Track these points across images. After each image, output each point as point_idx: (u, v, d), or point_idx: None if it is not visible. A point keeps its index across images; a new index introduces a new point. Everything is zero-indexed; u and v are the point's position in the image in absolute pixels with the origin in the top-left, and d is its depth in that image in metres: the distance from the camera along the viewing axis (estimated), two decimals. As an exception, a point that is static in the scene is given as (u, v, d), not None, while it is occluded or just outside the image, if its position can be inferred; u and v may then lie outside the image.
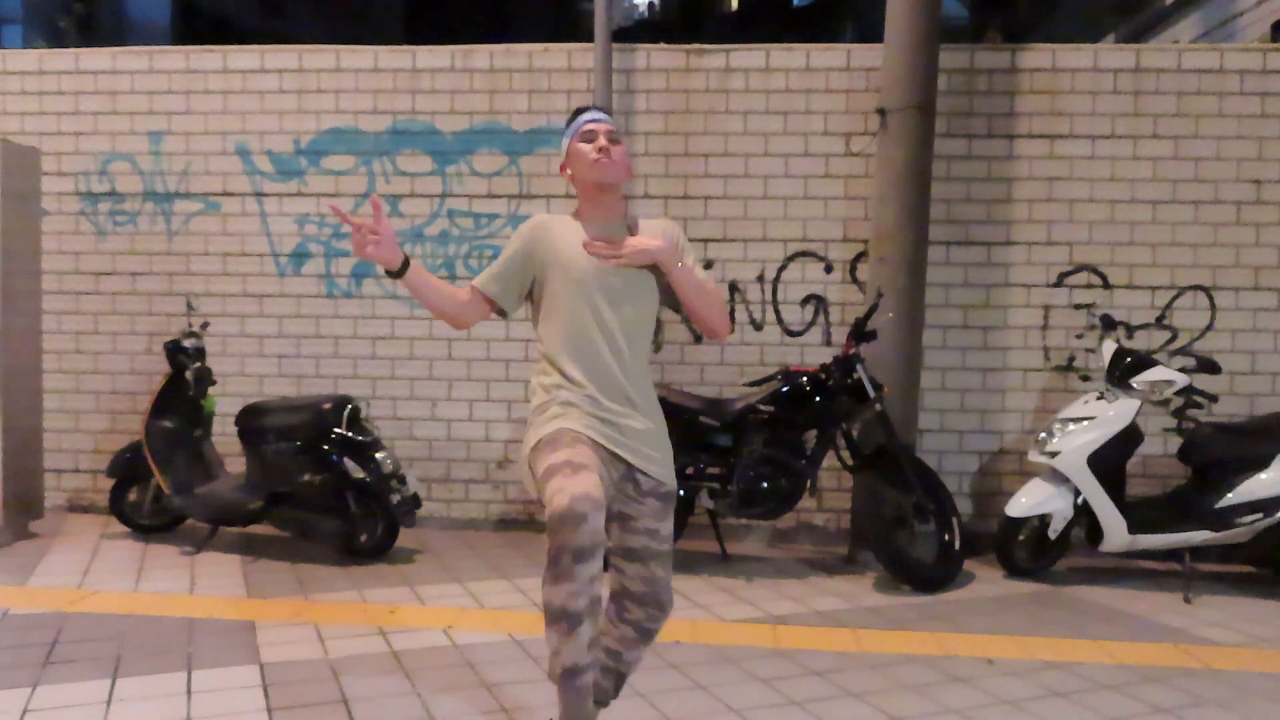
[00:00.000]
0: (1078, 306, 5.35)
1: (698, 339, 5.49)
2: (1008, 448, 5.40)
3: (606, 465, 2.40)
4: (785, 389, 4.69)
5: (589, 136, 2.56)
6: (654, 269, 2.54)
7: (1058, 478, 4.64)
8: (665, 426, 2.61)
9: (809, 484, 4.70)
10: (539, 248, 2.56)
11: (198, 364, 5.06)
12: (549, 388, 2.50)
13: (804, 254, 5.44)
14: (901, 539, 4.58)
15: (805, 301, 5.46)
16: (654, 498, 2.51)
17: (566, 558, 2.13)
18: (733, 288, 5.46)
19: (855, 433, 4.87)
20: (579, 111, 2.65)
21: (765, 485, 4.65)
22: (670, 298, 2.62)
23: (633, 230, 2.59)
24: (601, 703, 2.68)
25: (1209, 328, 5.32)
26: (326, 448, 4.72)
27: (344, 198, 5.59)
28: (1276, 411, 5.06)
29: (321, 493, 4.73)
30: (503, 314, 2.60)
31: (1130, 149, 5.30)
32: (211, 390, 5.17)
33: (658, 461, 2.53)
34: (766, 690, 3.28)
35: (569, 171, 2.62)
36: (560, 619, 2.18)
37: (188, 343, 5.07)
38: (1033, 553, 4.75)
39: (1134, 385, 4.59)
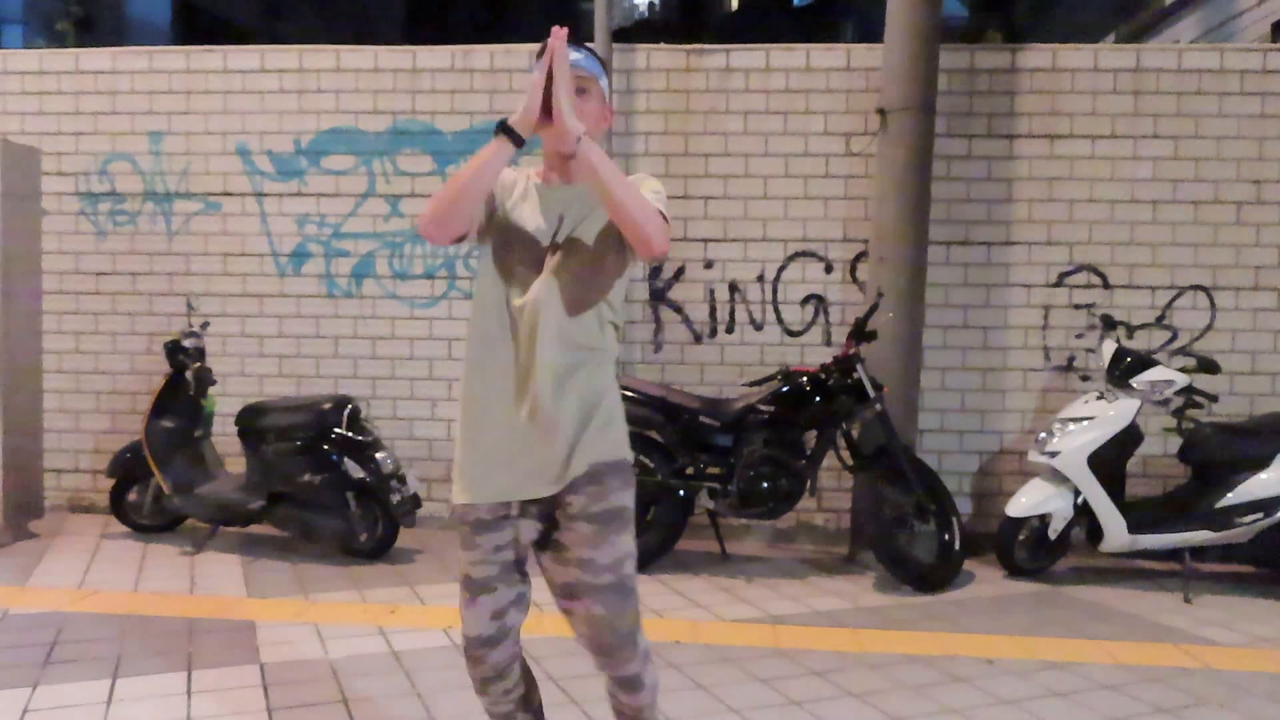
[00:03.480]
0: (1078, 306, 5.35)
1: (697, 339, 5.49)
2: (1008, 448, 5.40)
3: (513, 517, 2.14)
4: (785, 389, 4.69)
5: None
6: (604, 241, 2.14)
7: (1058, 478, 4.64)
8: (601, 417, 2.16)
9: (809, 484, 4.70)
10: (502, 201, 2.19)
11: (198, 364, 5.06)
12: (461, 402, 2.23)
13: (804, 254, 5.44)
14: (901, 539, 4.58)
15: (805, 301, 5.46)
16: (583, 521, 2.11)
17: (475, 682, 2.24)
18: (733, 288, 5.46)
19: (855, 433, 4.87)
20: (544, 49, 2.06)
21: (765, 485, 4.65)
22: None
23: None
24: None
25: (1209, 328, 5.32)
26: (326, 448, 4.72)
27: (344, 198, 5.59)
28: (1276, 411, 5.06)
29: (321, 493, 4.73)
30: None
31: (1130, 149, 5.30)
32: (211, 390, 5.18)
33: (564, 465, 2.11)
34: (766, 690, 3.28)
35: None
36: (488, 715, 2.31)
37: (188, 343, 5.07)
38: (1033, 553, 4.75)
39: (1134, 385, 4.59)
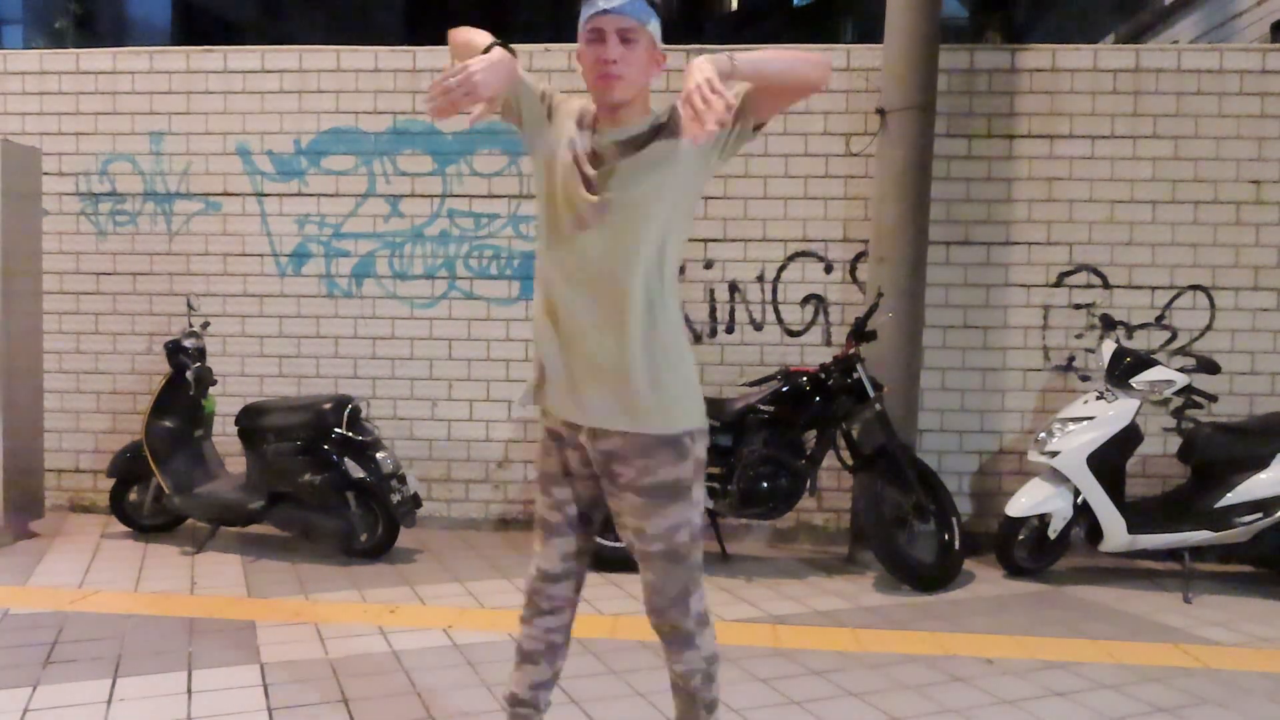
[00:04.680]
0: (1078, 306, 5.36)
1: (697, 339, 5.49)
2: (1008, 448, 5.40)
3: (577, 456, 2.25)
4: (785, 389, 4.70)
5: (594, 37, 2.04)
6: (663, 174, 2.15)
7: (1057, 477, 4.65)
8: (662, 375, 2.14)
9: (809, 484, 4.70)
10: (548, 129, 2.18)
11: (198, 364, 5.06)
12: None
13: (804, 254, 5.44)
14: (901, 539, 4.59)
15: (805, 301, 5.46)
16: (631, 493, 2.16)
17: (529, 610, 2.36)
18: (733, 288, 5.46)
19: (855, 433, 4.87)
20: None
21: (765, 485, 4.65)
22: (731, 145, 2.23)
23: (669, 120, 2.18)
24: None
25: (1209, 328, 5.32)
26: (327, 448, 4.72)
27: (344, 198, 5.60)
28: (1276, 411, 5.06)
29: (321, 493, 4.73)
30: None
31: (1130, 149, 5.30)
32: (212, 390, 5.18)
33: (612, 412, 2.14)
34: (766, 690, 3.29)
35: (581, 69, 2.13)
36: (517, 651, 2.40)
37: (188, 343, 5.08)
38: (1033, 553, 4.75)
39: (1134, 385, 4.59)
